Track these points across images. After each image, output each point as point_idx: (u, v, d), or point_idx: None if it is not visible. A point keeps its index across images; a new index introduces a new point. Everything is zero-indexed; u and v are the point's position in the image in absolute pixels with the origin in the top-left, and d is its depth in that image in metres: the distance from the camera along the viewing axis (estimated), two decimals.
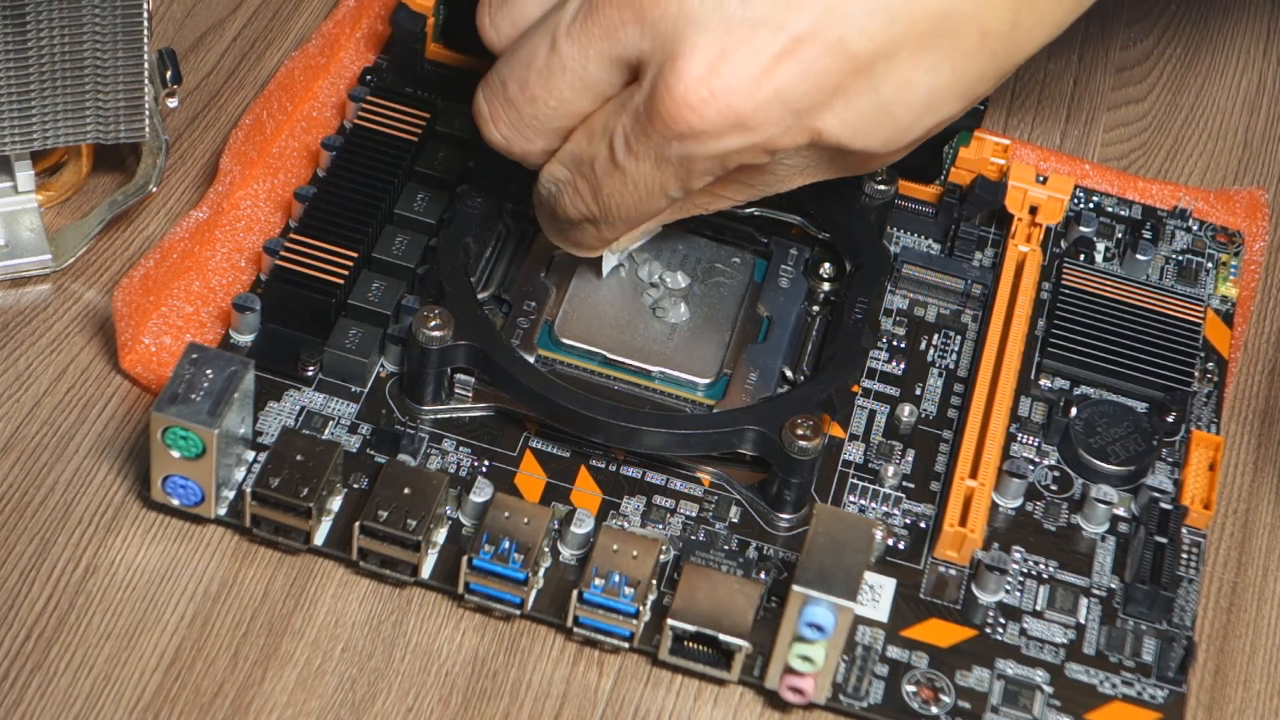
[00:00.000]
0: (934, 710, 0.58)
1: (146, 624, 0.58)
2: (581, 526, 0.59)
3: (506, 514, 0.58)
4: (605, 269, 0.65)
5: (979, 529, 0.60)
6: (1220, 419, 0.66)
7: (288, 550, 0.60)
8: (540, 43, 0.57)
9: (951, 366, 0.66)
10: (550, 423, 0.62)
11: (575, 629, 0.58)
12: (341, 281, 0.63)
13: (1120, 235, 0.71)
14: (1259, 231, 0.72)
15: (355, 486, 0.60)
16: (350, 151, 0.67)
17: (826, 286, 0.67)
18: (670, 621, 0.57)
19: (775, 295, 0.66)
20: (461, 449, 0.62)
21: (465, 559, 0.57)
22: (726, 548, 0.60)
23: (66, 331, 0.65)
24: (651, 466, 0.62)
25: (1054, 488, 0.63)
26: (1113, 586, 0.61)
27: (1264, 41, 0.81)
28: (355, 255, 0.64)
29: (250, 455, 0.60)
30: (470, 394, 0.63)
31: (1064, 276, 0.68)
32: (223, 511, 0.59)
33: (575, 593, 0.57)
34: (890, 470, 0.63)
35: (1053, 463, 0.64)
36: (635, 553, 0.58)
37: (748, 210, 0.69)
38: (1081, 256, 0.69)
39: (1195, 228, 0.71)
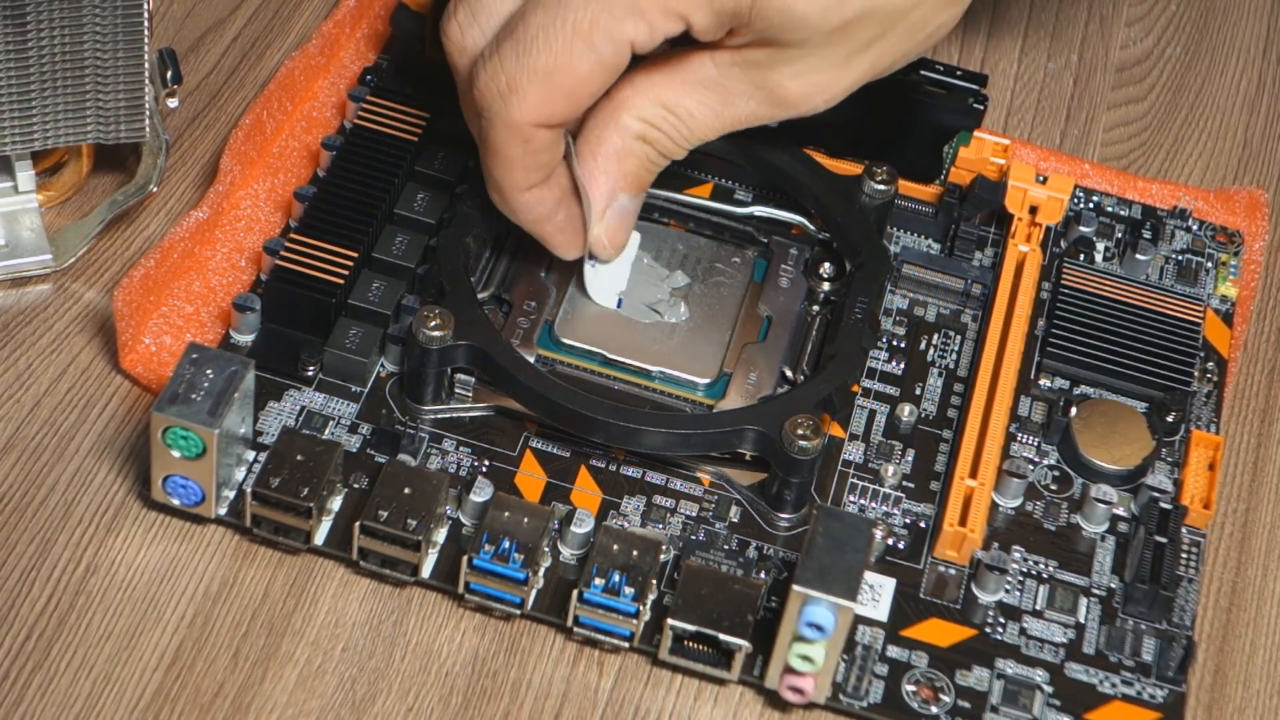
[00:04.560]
0: (934, 710, 0.58)
1: (147, 624, 0.58)
2: (581, 526, 0.59)
3: (506, 514, 0.58)
4: (600, 296, 0.65)
5: (979, 529, 0.60)
6: (1220, 419, 0.66)
7: (288, 550, 0.60)
8: None
9: (951, 366, 0.66)
10: (550, 423, 0.62)
11: (575, 629, 0.58)
12: (341, 281, 0.63)
13: (1120, 235, 0.71)
14: (1259, 231, 0.72)
15: (355, 486, 0.60)
16: (350, 151, 0.67)
17: (826, 286, 0.67)
18: (670, 621, 0.57)
19: (775, 295, 0.66)
20: (461, 449, 0.62)
21: (465, 559, 0.57)
22: (726, 547, 0.60)
23: (67, 331, 0.65)
24: (651, 466, 0.62)
25: (1054, 487, 0.63)
26: (1113, 586, 0.61)
27: (1264, 41, 0.81)
28: (355, 255, 0.64)
29: (250, 455, 0.60)
30: (470, 394, 0.63)
31: (1064, 276, 0.68)
32: (223, 511, 0.59)
33: (575, 592, 0.57)
34: (890, 470, 0.63)
35: (1053, 462, 0.64)
36: (635, 553, 0.58)
37: (747, 210, 0.69)
38: (1081, 256, 0.69)
39: (1195, 227, 0.71)
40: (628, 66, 0.59)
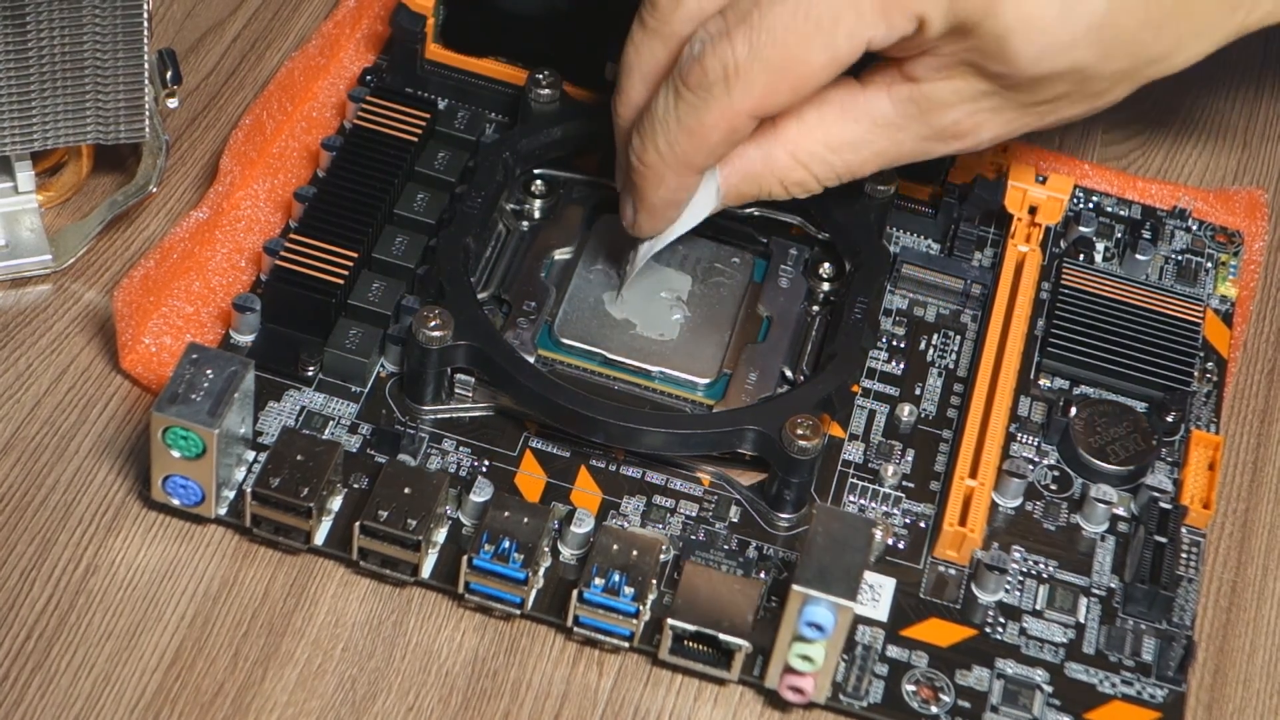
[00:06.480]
0: (934, 710, 0.58)
1: (147, 624, 0.58)
2: (581, 526, 0.59)
3: (506, 514, 0.58)
4: (635, 267, 0.64)
5: (979, 528, 0.60)
6: (1220, 419, 0.66)
7: (288, 550, 0.60)
8: None
9: (951, 366, 0.66)
10: (550, 423, 0.62)
11: (575, 629, 0.58)
12: (341, 281, 0.63)
13: (1120, 235, 0.71)
14: (1258, 231, 0.72)
15: (355, 486, 0.60)
16: (350, 151, 0.67)
17: (826, 286, 0.67)
18: (670, 621, 0.57)
19: (775, 295, 0.66)
20: (461, 449, 0.62)
21: (465, 559, 0.57)
22: (726, 547, 0.60)
23: (67, 332, 0.65)
24: (651, 466, 0.62)
25: (1054, 487, 0.63)
26: (1112, 586, 0.61)
27: (1264, 42, 0.81)
28: (355, 255, 0.64)
29: (250, 455, 0.60)
30: (470, 394, 0.63)
31: (1063, 276, 0.68)
32: (223, 511, 0.59)
33: (575, 592, 0.57)
34: (890, 470, 0.63)
35: (1052, 462, 0.64)
36: (635, 552, 0.58)
37: (748, 210, 0.69)
38: (1081, 256, 0.69)
39: (1195, 227, 0.71)
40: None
